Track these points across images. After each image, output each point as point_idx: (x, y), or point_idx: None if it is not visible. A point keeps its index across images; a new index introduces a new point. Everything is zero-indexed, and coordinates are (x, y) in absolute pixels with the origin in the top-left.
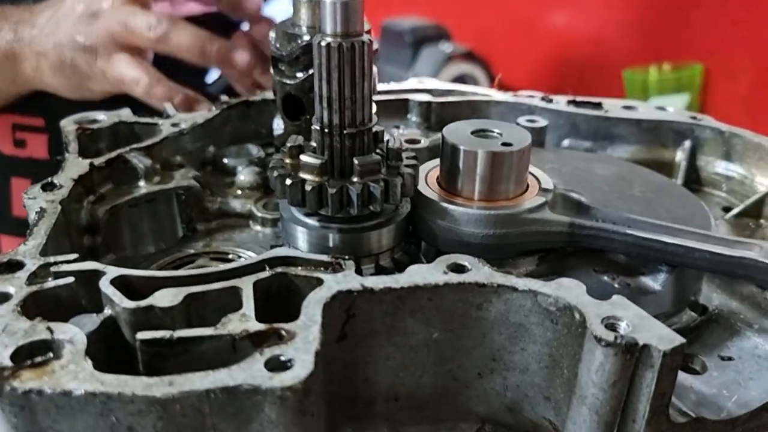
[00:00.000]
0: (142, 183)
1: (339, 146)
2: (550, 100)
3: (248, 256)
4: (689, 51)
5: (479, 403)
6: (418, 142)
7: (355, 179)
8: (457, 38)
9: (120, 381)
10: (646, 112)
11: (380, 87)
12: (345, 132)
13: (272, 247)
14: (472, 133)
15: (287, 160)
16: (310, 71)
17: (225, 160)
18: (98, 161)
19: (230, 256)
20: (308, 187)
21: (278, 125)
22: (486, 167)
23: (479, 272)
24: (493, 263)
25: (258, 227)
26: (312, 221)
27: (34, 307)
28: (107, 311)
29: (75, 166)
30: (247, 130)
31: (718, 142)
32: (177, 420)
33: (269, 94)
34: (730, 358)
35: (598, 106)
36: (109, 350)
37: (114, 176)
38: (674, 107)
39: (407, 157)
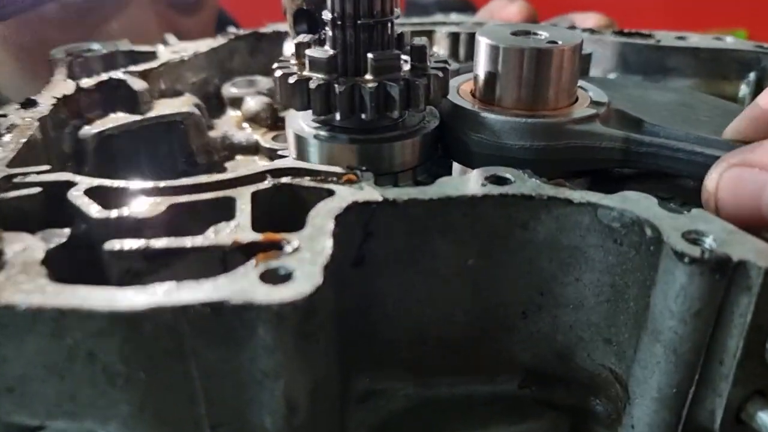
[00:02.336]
0: (136, 109)
1: (353, 40)
2: (595, 31)
3: None
4: (732, 16)
5: (523, 349)
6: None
7: (369, 77)
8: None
9: (77, 293)
10: (703, 41)
11: (404, 20)
12: (360, 22)
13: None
14: (512, 34)
15: (293, 61)
16: None
17: (232, 89)
18: (86, 83)
19: None
20: (313, 85)
21: (289, 48)
22: (530, 68)
23: (524, 184)
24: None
25: (265, 162)
26: (320, 131)
27: None
28: (80, 226)
29: (60, 86)
30: (258, 64)
31: None
32: (147, 343)
33: (282, 27)
34: None
35: (649, 36)
36: (80, 274)
37: (106, 102)
38: None
39: (435, 61)
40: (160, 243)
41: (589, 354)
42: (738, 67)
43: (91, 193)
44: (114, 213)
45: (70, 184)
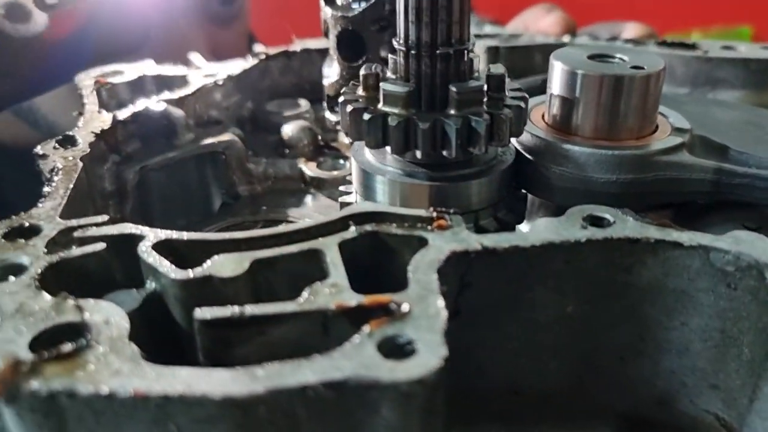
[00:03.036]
0: (175, 140)
1: (429, 71)
2: (639, 42)
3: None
4: (737, 12)
5: (619, 395)
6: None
7: (451, 111)
8: (480, 10)
9: (182, 376)
10: (750, 51)
11: None
12: (438, 52)
13: (343, 205)
14: (589, 57)
15: (361, 92)
16: (371, 0)
17: (271, 116)
18: (122, 114)
19: (283, 223)
20: (392, 122)
21: (330, 71)
22: (613, 95)
23: (626, 225)
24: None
25: (311, 190)
26: (394, 168)
27: (55, 281)
28: (150, 285)
29: (95, 119)
30: (288, 84)
31: None
32: (260, 428)
33: (311, 43)
34: None
35: (692, 47)
36: (152, 335)
37: (141, 133)
38: None
39: (512, 89)
40: (255, 309)
41: (693, 400)
42: None
43: (162, 248)
44: (194, 273)
45: (136, 238)
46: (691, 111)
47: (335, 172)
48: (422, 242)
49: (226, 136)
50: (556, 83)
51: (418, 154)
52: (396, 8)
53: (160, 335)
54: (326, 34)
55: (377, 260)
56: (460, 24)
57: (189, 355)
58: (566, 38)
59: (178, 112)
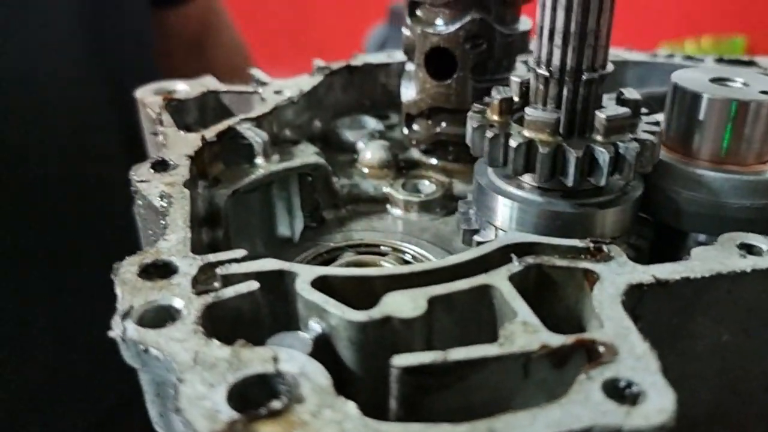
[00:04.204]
0: (260, 161)
1: (572, 96)
2: (696, 59)
3: (409, 249)
4: (730, 22)
5: (759, 423)
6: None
7: (598, 138)
8: None
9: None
10: None
11: None
12: (584, 78)
13: (467, 233)
14: (711, 81)
15: (494, 117)
16: (465, 17)
17: (344, 134)
18: (208, 135)
19: (382, 248)
20: (543, 150)
21: (408, 90)
22: (742, 121)
23: None
24: None
25: (398, 211)
26: (531, 195)
27: (211, 326)
28: (314, 326)
29: (180, 141)
30: (350, 100)
31: None
32: None
33: (370, 58)
34: None
35: (751, 63)
36: None
37: (225, 155)
38: None
39: (645, 113)
40: (459, 354)
41: None
42: None
43: (318, 285)
44: (371, 313)
45: (287, 275)
46: None
47: (424, 195)
48: (589, 275)
49: (311, 158)
50: (679, 106)
51: (569, 182)
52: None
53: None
54: (407, 52)
55: (540, 294)
56: (605, 48)
57: (355, 399)
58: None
59: (261, 133)
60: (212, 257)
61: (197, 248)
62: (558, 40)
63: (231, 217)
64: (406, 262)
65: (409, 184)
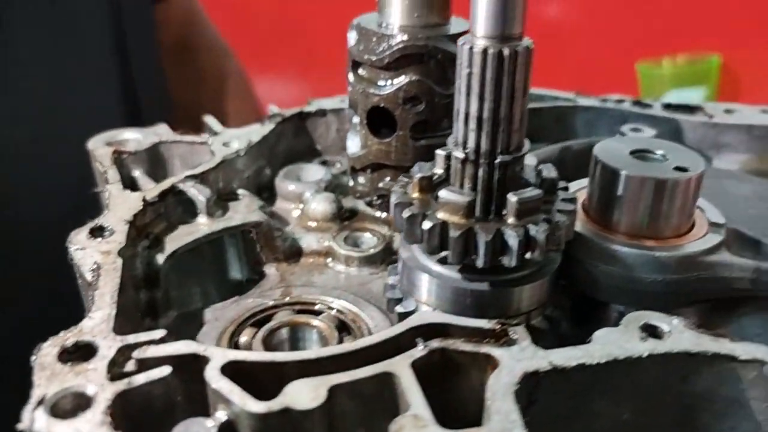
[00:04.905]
0: (202, 219)
1: (486, 177)
2: (645, 105)
3: (340, 306)
4: (705, 41)
5: None
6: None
7: (510, 220)
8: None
9: None
10: (753, 115)
11: None
12: (498, 161)
13: (391, 302)
14: (632, 153)
15: (415, 194)
16: (404, 78)
17: (290, 186)
18: (150, 195)
19: (317, 307)
20: (454, 233)
21: (355, 143)
22: (657, 198)
23: (682, 337)
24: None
25: (340, 266)
26: (449, 272)
27: (121, 413)
28: (220, 414)
29: (123, 201)
30: (302, 146)
31: None
32: None
33: (325, 103)
34: None
35: (697, 109)
36: None
37: (168, 213)
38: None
39: (561, 188)
40: None
41: None
42: None
43: (230, 370)
44: (271, 405)
45: (202, 359)
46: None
47: (365, 249)
48: (490, 360)
49: (253, 215)
50: (600, 179)
51: (480, 262)
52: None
53: None
54: (352, 106)
55: (446, 376)
56: (519, 132)
57: None
58: (575, 97)
59: (204, 191)
60: (131, 338)
61: (132, 311)
62: (472, 124)
63: (174, 273)
64: (340, 321)
65: (350, 237)
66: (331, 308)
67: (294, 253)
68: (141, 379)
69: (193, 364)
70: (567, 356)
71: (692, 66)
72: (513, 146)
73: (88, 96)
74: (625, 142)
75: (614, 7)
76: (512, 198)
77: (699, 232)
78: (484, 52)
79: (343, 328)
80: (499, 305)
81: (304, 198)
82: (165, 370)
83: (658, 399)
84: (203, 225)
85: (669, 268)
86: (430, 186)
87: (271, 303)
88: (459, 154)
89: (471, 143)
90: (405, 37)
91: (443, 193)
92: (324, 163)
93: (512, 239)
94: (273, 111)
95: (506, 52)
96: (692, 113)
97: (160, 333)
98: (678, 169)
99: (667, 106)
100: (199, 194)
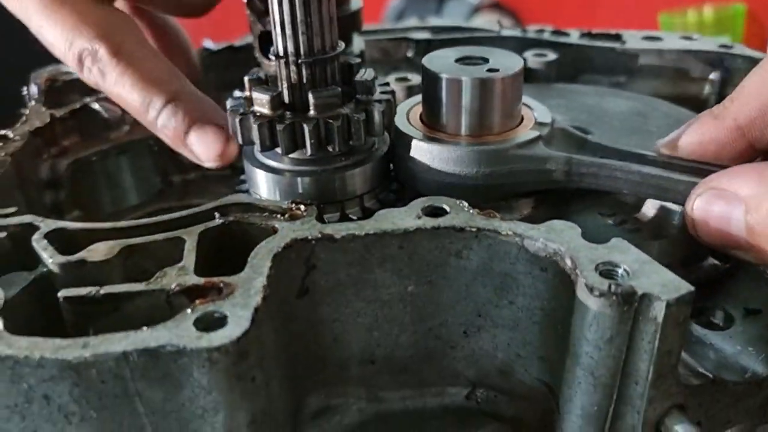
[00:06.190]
0: (112, 134)
1: (296, 77)
2: (563, 33)
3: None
4: None
5: (467, 365)
6: (408, 80)
7: (311, 114)
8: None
9: (28, 343)
10: (669, 41)
11: (377, 26)
12: (301, 61)
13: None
14: (457, 60)
15: (245, 94)
16: None
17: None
18: (60, 112)
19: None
20: (256, 123)
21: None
22: (471, 97)
23: (458, 215)
24: (483, 207)
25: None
26: (272, 162)
27: None
28: (41, 268)
29: (35, 117)
30: (232, 77)
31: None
32: (95, 386)
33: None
34: (757, 311)
35: (617, 37)
36: (46, 313)
37: (81, 128)
38: None
39: (381, 92)
40: (107, 289)
41: (527, 369)
42: (702, 68)
43: (53, 236)
44: (71, 258)
45: (33, 228)
46: (586, 102)
47: None
48: (275, 231)
49: None
50: (426, 84)
51: (281, 151)
52: None
53: (52, 314)
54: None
55: (243, 248)
56: (321, 35)
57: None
58: (500, 29)
59: (114, 108)
60: None
61: (38, 209)
62: (278, 28)
63: (75, 182)
64: None
65: None
66: None
67: (198, 166)
68: None
69: (30, 232)
70: (338, 228)
71: (717, 14)
72: (317, 48)
73: None
74: (455, 51)
75: None
76: (310, 95)
77: (522, 131)
78: None
79: None
80: (317, 192)
81: None
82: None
83: (437, 272)
84: (111, 139)
85: (480, 162)
86: (253, 88)
87: (165, 206)
88: (272, 55)
89: (280, 46)
90: None
91: (253, 91)
92: None
93: (306, 131)
94: (206, 45)
95: None
96: (612, 41)
97: (11, 210)
98: (491, 71)
99: (586, 35)
100: (105, 112)
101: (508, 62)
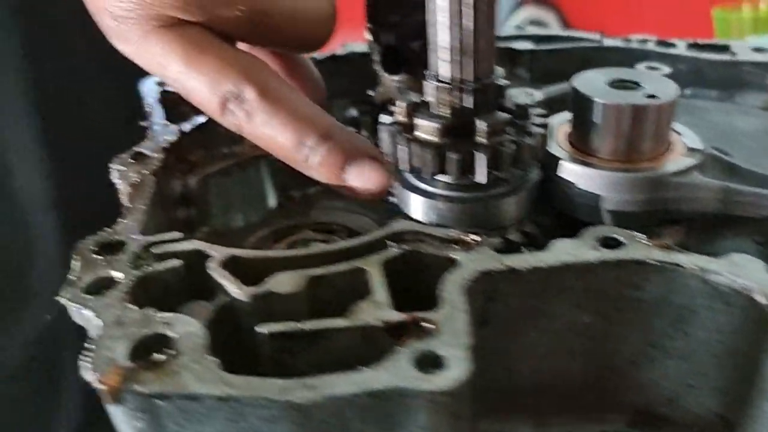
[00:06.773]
0: (235, 148)
1: (461, 102)
2: (669, 44)
3: (355, 226)
4: None
5: (633, 393)
6: (530, 94)
7: (479, 141)
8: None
9: (252, 384)
10: None
11: None
12: (470, 88)
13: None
14: (609, 84)
15: (401, 119)
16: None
17: None
18: (187, 127)
19: (334, 227)
20: (428, 152)
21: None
22: (628, 123)
23: (635, 247)
24: (651, 235)
25: None
26: (429, 188)
27: (142, 295)
28: (221, 298)
29: (163, 133)
30: (335, 86)
31: None
32: (316, 426)
33: (357, 47)
34: None
35: (724, 48)
36: (221, 341)
37: (206, 143)
38: None
39: (536, 114)
40: (310, 325)
41: (697, 399)
42: None
43: (228, 265)
44: (259, 290)
45: (204, 255)
46: (715, 121)
47: None
48: (451, 261)
49: None
50: (579, 108)
51: (451, 178)
52: None
53: (226, 341)
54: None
55: (415, 277)
56: (487, 60)
57: (251, 358)
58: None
59: None
60: (152, 238)
61: (170, 226)
62: (442, 54)
63: (207, 196)
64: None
65: None
66: (345, 227)
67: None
68: (159, 268)
69: (200, 259)
70: (521, 260)
71: None
72: (482, 74)
73: None
74: (604, 73)
75: None
76: (479, 121)
77: (673, 156)
78: None
79: None
80: (475, 219)
81: None
82: (176, 262)
83: (612, 304)
84: (234, 152)
85: (635, 188)
86: (415, 112)
87: (291, 224)
88: (432, 81)
89: (442, 72)
90: None
91: (418, 118)
92: (356, 102)
93: (479, 158)
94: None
95: None
96: (718, 52)
97: (176, 234)
98: (649, 96)
99: (693, 45)
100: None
101: (662, 87)
